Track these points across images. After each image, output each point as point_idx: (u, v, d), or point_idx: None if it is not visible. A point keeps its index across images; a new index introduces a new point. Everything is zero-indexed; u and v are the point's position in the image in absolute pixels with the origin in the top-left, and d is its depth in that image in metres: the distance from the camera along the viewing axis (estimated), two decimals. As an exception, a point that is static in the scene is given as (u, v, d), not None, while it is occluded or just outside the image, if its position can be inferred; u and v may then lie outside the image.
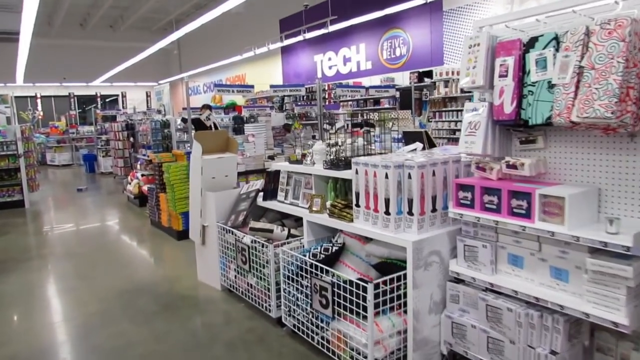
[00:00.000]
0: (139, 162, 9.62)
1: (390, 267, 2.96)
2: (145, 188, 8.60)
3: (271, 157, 7.36)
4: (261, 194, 4.25)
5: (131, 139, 11.50)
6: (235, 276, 4.13)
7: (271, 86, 7.49)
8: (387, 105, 13.04)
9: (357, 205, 3.03)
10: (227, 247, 4.17)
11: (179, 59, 26.75)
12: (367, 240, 3.11)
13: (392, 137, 3.87)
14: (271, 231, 3.82)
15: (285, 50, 17.85)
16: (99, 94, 22.85)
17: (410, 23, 12.74)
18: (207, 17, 13.31)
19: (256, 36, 17.17)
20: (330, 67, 16.02)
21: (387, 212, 2.78)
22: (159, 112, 9.33)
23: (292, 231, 3.87)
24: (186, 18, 17.17)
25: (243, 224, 4.09)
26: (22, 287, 4.88)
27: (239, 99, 20.85)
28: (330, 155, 3.58)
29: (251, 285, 3.89)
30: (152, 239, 6.70)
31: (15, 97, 23.75)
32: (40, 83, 24.35)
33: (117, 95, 26.26)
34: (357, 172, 2.99)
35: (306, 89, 16.18)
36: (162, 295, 4.46)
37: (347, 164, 3.30)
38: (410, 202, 2.73)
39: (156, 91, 9.74)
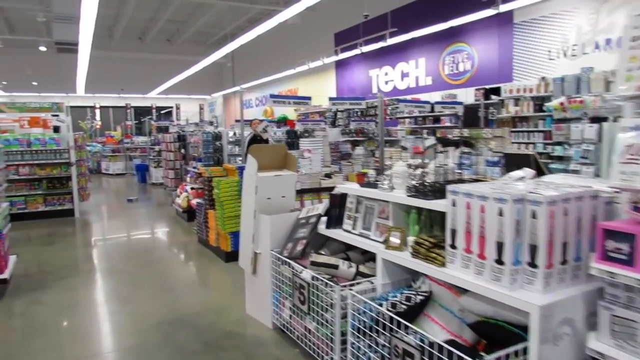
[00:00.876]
0: (188, 175, 9.32)
1: (493, 330, 2.28)
2: (194, 202, 8.24)
3: (328, 175, 6.81)
4: (323, 219, 3.67)
5: (182, 150, 11.29)
6: (290, 316, 3.53)
7: (330, 99, 6.99)
8: (448, 124, 12.26)
9: (453, 246, 2.38)
10: (282, 281, 3.59)
11: (232, 72, 26.95)
12: (462, 291, 2.44)
13: (485, 160, 3.20)
14: (336, 267, 3.22)
15: (339, 65, 17.43)
16: (154, 106, 23.26)
17: (475, 36, 11.97)
18: (262, 28, 13.09)
19: (310, 50, 16.86)
20: (386, 82, 15.41)
21: (499, 261, 2.11)
22: (211, 123, 9.00)
23: (361, 268, 3.25)
24: (240, 32, 17.22)
25: (302, 255, 3.50)
26: (56, 309, 4.50)
27: (291, 113, 20.60)
28: (413, 180, 2.95)
29: (309, 330, 3.28)
30: (198, 259, 6.25)
31: (75, 106, 24.61)
32: (99, 94, 25.12)
33: (172, 107, 26.71)
34: (454, 204, 2.35)
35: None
36: (205, 330, 3.92)
37: (438, 192, 2.66)
38: (532, 249, 2.06)
39: (209, 103, 9.46)
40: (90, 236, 7.86)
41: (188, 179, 9.25)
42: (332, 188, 6.70)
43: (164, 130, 16.16)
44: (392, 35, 12.06)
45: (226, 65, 26.65)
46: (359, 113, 15.61)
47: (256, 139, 8.46)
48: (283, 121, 18.81)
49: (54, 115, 10.63)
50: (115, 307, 4.53)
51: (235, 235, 5.85)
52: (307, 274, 3.29)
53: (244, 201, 4.08)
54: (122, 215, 9.83)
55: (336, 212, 3.60)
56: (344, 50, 14.13)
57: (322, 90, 18.98)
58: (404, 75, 14.57)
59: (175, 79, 22.41)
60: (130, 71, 25.34)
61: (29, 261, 6.10)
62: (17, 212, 8.87)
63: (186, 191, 9.02)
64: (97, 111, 23.44)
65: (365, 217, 3.33)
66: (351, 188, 3.55)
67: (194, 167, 9.05)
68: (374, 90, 15.71)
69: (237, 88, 23.60)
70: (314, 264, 3.26)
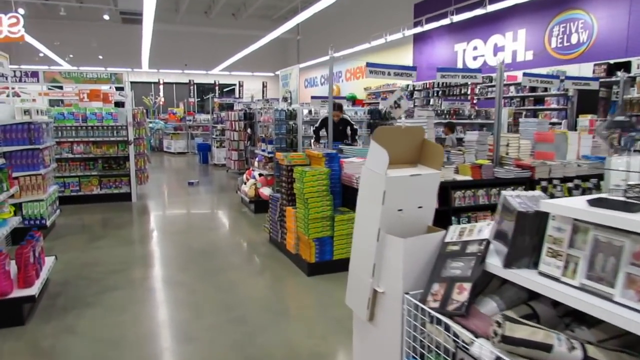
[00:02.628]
0: (256, 159, 8.14)
1: None
2: (264, 192, 7.05)
3: (436, 168, 5.33)
4: (491, 248, 2.26)
5: (248, 130, 10.15)
6: (443, 409, 2.17)
7: (438, 69, 5.52)
8: (554, 105, 10.36)
9: None
10: (426, 347, 2.23)
11: (297, 48, 25.71)
12: None
13: None
14: (548, 349, 1.81)
15: (418, 39, 15.67)
16: (217, 82, 22.46)
17: (596, 1, 9.93)
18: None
19: (384, 23, 15.23)
20: (475, 58, 13.54)
21: None
22: (285, 99, 7.74)
23: (592, 351, 1.82)
24: (308, 5, 15.91)
25: (467, 311, 2.12)
26: (94, 345, 3.36)
27: (360, 92, 19.13)
28: None
29: None
30: (272, 270, 5.00)
31: (139, 82, 24.33)
32: (164, 70, 24.66)
33: (235, 85, 25.94)
34: None
35: (442, 83, 13.93)
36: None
37: None
38: None
39: (282, 75, 8.18)
40: (146, 228, 6.87)
41: (256, 164, 8.08)
42: (443, 183, 5.17)
43: (227, 108, 15.19)
44: (493, 1, 10.23)
45: (293, 40, 25.46)
46: (440, 92, 13.88)
47: (325, 123, 7.23)
48: (352, 100, 17.37)
49: (118, 89, 9.78)
50: (171, 345, 3.36)
51: (322, 243, 4.56)
52: (485, 351, 1.90)
53: (360, 212, 2.72)
54: (182, 202, 8.84)
55: (524, 242, 2.17)
56: (429, 20, 12.40)
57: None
58: (498, 49, 12.66)
59: (238, 55, 21.47)
60: (195, 46, 24.70)
61: (71, 262, 5.09)
62: (71, 194, 8.07)
63: (254, 177, 7.85)
64: (161, 87, 22.95)
65: (595, 258, 1.88)
66: (564, 206, 2.10)
67: (263, 150, 7.86)
68: (459, 66, 13.88)
69: (301, 65, 22.42)
70: (507, 340, 1.86)
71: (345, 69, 21.26)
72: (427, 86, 14.74)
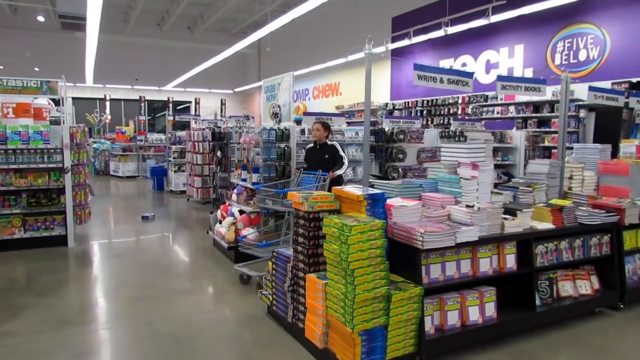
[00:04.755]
0: (234, 191, 6.41)
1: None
2: (247, 235, 5.32)
3: (510, 211, 3.92)
4: None
5: (218, 153, 8.38)
6: None
7: (499, 78, 4.12)
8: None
9: None
10: None
11: (258, 63, 24.10)
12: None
13: None
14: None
15: (397, 54, 14.47)
16: (171, 99, 20.39)
17: (607, 14, 9.01)
18: (300, 10, 10.31)
19: (358, 38, 13.97)
20: (463, 76, 12.42)
21: None
22: (275, 115, 6.09)
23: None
24: (270, 18, 14.46)
25: None
26: None
27: (331, 110, 17.69)
28: None
29: None
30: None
31: (82, 98, 21.84)
32: (111, 85, 22.35)
33: (190, 103, 23.92)
34: None
35: (426, 101, 12.75)
36: None
37: None
38: None
39: (266, 87, 6.57)
40: (87, 293, 4.94)
41: (234, 197, 6.34)
42: (522, 235, 3.74)
43: (183, 127, 13.31)
44: (496, 11, 9.10)
45: (253, 56, 23.81)
46: (425, 112, 12.65)
47: (315, 148, 5.71)
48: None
49: (56, 104, 7.75)
50: None
51: (372, 337, 2.93)
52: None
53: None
54: (135, 248, 6.93)
55: None
56: (417, 33, 11.18)
57: (372, 86, 16.03)
58: (491, 66, 11.59)
59: (194, 70, 19.59)
60: (146, 60, 22.54)
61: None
62: (-17, 239, 6.02)
63: (231, 215, 6.10)
64: (107, 104, 20.62)
65: None
66: None
67: (244, 180, 6.14)
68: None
69: (261, 82, 20.83)
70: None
71: (312, 86, 19.85)
72: (409, 105, 13.51)
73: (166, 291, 4.85)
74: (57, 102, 7.35)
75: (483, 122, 8.64)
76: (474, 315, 3.43)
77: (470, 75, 4.16)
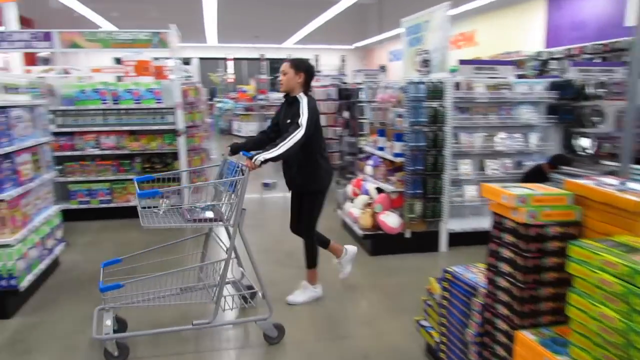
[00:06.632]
0: (369, 162, 5.19)
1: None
2: (387, 221, 4.10)
3: None
4: None
5: (345, 114, 7.21)
6: None
7: None
8: None
9: None
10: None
11: (379, 14, 22.27)
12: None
13: None
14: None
15: (557, -9, 11.82)
16: (291, 57, 19.67)
17: None
18: None
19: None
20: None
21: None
22: (424, 63, 4.68)
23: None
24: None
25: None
26: None
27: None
28: None
29: None
30: None
31: (205, 58, 21.98)
32: (231, 44, 22.23)
33: (310, 60, 23.08)
34: None
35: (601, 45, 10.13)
36: None
37: None
38: None
39: (408, 28, 5.09)
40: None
41: (368, 169, 5.14)
42: None
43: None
44: None
45: (374, 6, 21.99)
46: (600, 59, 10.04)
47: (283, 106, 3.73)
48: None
49: (184, 62, 7.10)
50: None
51: None
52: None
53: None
54: (250, 227, 6.12)
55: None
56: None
57: (518, 33, 13.59)
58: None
59: (313, 23, 18.50)
60: (265, 15, 21.91)
61: None
62: (99, 206, 5.58)
63: (365, 192, 4.92)
64: (230, 63, 20.53)
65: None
66: None
67: (381, 149, 4.89)
68: (628, 22, 10.00)
69: (384, 35, 19.05)
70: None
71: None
72: (573, 52, 10.99)
73: (275, 299, 3.85)
74: (185, 62, 6.73)
75: None
76: None
77: None
